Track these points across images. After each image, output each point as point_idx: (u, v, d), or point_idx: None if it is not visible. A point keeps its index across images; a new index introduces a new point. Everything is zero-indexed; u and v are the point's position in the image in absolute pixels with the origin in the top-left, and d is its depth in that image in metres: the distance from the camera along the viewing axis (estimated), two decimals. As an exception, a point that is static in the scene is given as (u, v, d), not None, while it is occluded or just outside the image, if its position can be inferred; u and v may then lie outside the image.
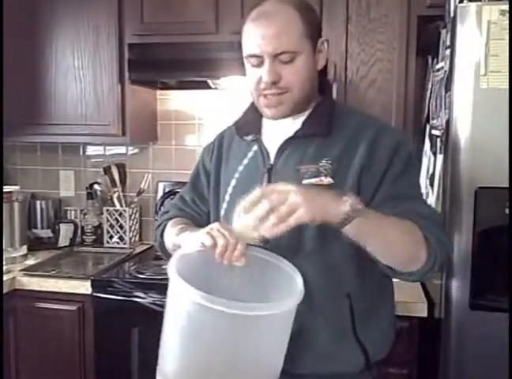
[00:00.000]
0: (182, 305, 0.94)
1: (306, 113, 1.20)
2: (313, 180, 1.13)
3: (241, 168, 1.25)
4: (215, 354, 0.95)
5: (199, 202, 1.38)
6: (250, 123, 1.27)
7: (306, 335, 1.15)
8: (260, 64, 1.12)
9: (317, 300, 1.14)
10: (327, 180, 1.13)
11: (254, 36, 1.11)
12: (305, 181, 1.13)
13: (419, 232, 1.06)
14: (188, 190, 1.43)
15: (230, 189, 1.25)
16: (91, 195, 2.53)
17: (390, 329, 1.24)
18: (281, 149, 1.20)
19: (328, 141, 1.17)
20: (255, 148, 1.25)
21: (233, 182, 1.26)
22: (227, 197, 1.25)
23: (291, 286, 1.02)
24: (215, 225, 1.05)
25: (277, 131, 1.22)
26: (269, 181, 1.18)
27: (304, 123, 1.19)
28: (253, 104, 1.25)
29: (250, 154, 1.25)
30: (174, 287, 0.96)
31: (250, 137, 1.26)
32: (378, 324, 1.20)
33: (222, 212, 1.26)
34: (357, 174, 1.13)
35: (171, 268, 0.95)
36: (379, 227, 1.03)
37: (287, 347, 1.04)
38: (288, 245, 1.13)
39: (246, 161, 1.25)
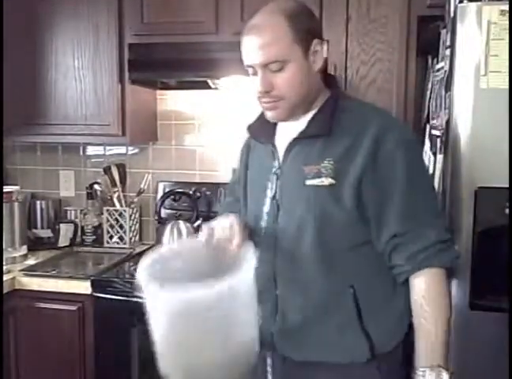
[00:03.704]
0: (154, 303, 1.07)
1: (313, 112, 1.23)
2: (315, 181, 1.16)
3: (257, 170, 1.33)
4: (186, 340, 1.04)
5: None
6: (263, 125, 1.30)
7: (309, 326, 1.21)
8: (255, 73, 1.18)
9: (318, 292, 1.20)
10: (328, 181, 1.15)
11: (246, 48, 1.18)
12: (308, 183, 1.17)
13: (444, 286, 1.16)
14: (228, 193, 1.55)
15: (248, 191, 1.35)
16: (91, 195, 2.53)
17: (400, 323, 1.24)
18: (288, 150, 1.24)
19: (331, 140, 1.18)
20: (268, 149, 1.29)
21: (250, 184, 1.35)
22: (247, 199, 1.35)
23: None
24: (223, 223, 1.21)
25: (286, 132, 1.25)
26: (277, 182, 1.24)
27: (309, 123, 1.22)
28: None
29: (265, 155, 1.30)
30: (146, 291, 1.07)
31: (262, 139, 1.32)
32: (387, 316, 1.22)
33: (245, 211, 1.36)
34: (358, 176, 1.14)
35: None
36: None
37: (257, 319, 1.11)
38: (288, 242, 1.22)
39: (261, 162, 1.31)
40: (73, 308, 2.01)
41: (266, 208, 1.25)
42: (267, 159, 1.29)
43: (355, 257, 1.20)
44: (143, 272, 1.09)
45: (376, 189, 1.14)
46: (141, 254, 2.36)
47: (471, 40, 1.42)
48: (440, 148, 1.60)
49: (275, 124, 1.30)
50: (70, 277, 2.05)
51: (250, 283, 1.07)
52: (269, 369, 1.30)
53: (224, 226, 1.20)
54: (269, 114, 1.23)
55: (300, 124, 1.23)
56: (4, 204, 2.14)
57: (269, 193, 1.25)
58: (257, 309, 1.11)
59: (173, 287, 0.99)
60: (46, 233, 2.53)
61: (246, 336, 1.09)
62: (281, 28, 1.14)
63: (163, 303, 1.03)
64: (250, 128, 1.36)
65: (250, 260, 1.07)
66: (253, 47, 1.15)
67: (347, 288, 1.19)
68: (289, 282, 1.24)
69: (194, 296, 0.97)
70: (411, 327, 1.21)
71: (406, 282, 1.18)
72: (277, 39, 1.14)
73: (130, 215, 2.47)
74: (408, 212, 1.14)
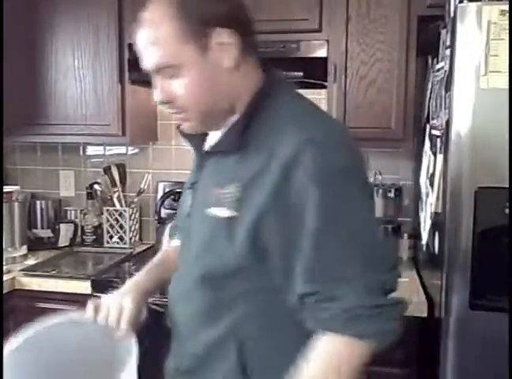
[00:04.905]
0: None
1: (236, 116, 0.98)
2: (214, 210, 0.95)
3: (189, 178, 1.16)
4: None
5: None
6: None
7: (190, 374, 1.06)
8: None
9: (199, 340, 1.02)
10: (228, 212, 0.92)
11: (138, 47, 0.97)
12: (207, 211, 0.96)
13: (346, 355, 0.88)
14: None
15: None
16: (91, 195, 2.53)
17: None
18: (201, 165, 1.06)
19: (244, 159, 0.94)
20: (195, 157, 1.12)
21: (184, 192, 1.19)
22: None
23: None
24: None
25: (212, 140, 1.06)
26: (192, 200, 1.07)
27: (223, 135, 1.00)
28: None
29: (195, 163, 1.13)
30: None
31: (192, 144, 1.09)
32: (285, 372, 0.94)
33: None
34: (261, 208, 0.89)
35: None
36: None
37: None
38: (182, 274, 1.07)
39: (192, 171, 1.15)
40: (73, 308, 2.00)
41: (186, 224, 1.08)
42: (192, 170, 1.12)
43: (248, 305, 0.97)
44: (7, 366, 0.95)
45: (280, 228, 0.89)
46: (140, 254, 2.38)
47: (471, 40, 1.42)
48: (440, 148, 1.60)
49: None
50: (70, 277, 2.05)
51: None
52: None
53: (115, 305, 1.05)
54: (182, 126, 1.01)
55: (218, 134, 1.02)
56: (4, 204, 2.14)
57: (187, 209, 1.08)
58: None
59: None
60: (46, 233, 2.52)
61: None
62: (167, 22, 0.91)
63: None
64: (181, 130, 1.08)
65: (132, 357, 0.92)
66: (141, 47, 0.95)
67: (231, 340, 0.98)
68: (179, 323, 1.08)
69: None
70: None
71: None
72: (163, 38, 0.91)
73: (130, 215, 2.47)
74: (322, 266, 0.87)
